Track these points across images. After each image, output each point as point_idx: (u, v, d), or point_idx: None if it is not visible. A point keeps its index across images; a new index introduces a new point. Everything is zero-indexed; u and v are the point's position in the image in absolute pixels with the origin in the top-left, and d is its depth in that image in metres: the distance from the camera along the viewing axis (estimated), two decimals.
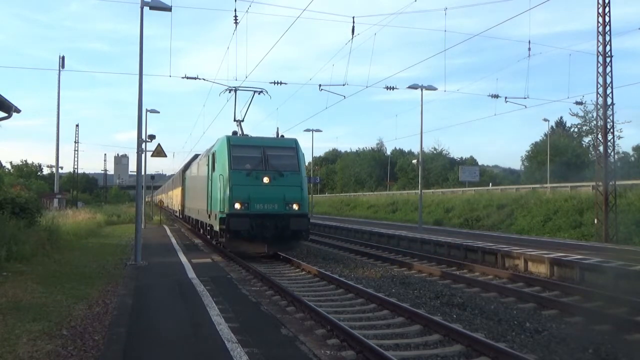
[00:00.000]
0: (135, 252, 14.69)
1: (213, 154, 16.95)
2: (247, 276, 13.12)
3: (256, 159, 15.80)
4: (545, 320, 8.84)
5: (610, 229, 21.03)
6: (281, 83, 20.69)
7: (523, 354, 6.52)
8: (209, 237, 19.04)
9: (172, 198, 42.00)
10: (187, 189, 28.83)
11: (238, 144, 16.16)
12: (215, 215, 16.03)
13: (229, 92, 18.19)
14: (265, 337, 6.89)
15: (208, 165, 17.87)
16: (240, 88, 18.13)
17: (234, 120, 18.35)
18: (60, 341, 6.63)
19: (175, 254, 17.23)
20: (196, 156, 28.17)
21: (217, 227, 15.82)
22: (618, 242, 20.32)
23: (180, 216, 34.06)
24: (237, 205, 15.06)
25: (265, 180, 15.41)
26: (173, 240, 22.65)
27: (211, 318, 7.83)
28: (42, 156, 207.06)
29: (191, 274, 12.55)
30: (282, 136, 17.94)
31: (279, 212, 15.31)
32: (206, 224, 18.87)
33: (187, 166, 30.33)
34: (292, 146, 16.61)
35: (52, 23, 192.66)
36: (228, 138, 16.21)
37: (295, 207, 15.52)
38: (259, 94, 18.15)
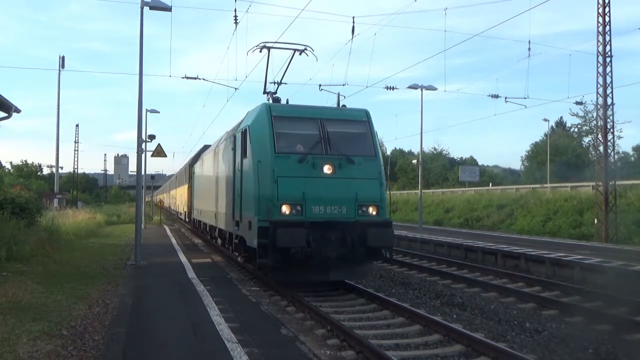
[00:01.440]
0: (135, 252, 14.69)
1: (244, 132, 11.40)
2: (247, 276, 13.12)
3: (312, 138, 10.66)
4: (545, 320, 8.84)
5: (610, 229, 21.03)
6: (281, 83, 20.64)
7: (523, 354, 6.52)
8: (236, 254, 13.04)
9: (176, 198, 36.90)
10: (196, 186, 23.09)
11: (284, 115, 10.93)
12: (250, 223, 10.57)
13: (260, 51, 12.63)
14: (265, 337, 6.90)
15: (234, 149, 12.43)
16: (275, 45, 12.71)
17: (264, 92, 12.85)
18: (60, 341, 6.63)
19: (175, 254, 17.23)
20: (206, 147, 23.02)
21: (253, 242, 10.30)
22: (618, 242, 20.32)
23: (187, 219, 28.86)
24: (285, 209, 9.99)
25: (327, 169, 10.33)
26: (173, 240, 22.66)
27: (211, 318, 7.83)
28: (42, 156, 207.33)
29: (191, 273, 12.55)
30: (344, 106, 12.54)
31: (348, 219, 10.23)
32: (230, 234, 13.26)
33: (197, 158, 24.55)
34: (363, 119, 11.38)
35: (52, 23, 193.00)
36: (268, 106, 10.95)
37: (371, 211, 10.51)
38: (300, 53, 12.69)
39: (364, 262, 10.62)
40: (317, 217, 10.06)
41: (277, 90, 12.80)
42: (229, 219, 13.02)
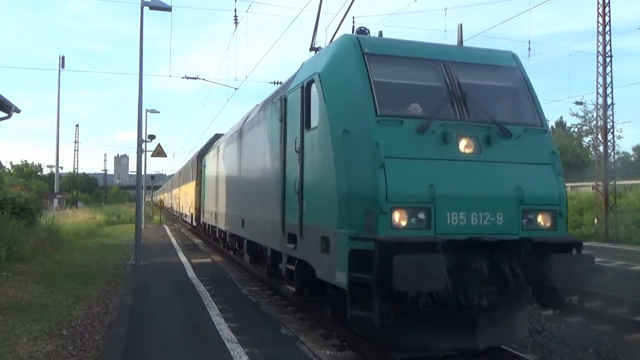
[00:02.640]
0: (135, 252, 14.69)
1: (306, 88, 7.14)
2: (247, 276, 13.11)
3: (434, 92, 6.56)
4: (545, 320, 8.84)
5: (610, 229, 21.03)
6: (282, 83, 20.62)
7: (523, 354, 6.52)
8: (292, 288, 7.69)
9: (179, 198, 32.62)
10: (208, 183, 18.34)
11: (384, 54, 6.67)
12: (326, 241, 6.28)
13: None
14: (265, 337, 6.90)
15: (283, 120, 8.08)
16: None
17: (311, 48, 8.77)
18: (60, 341, 6.64)
19: (175, 253, 17.23)
20: (218, 136, 19.35)
21: (334, 276, 6.00)
22: (618, 242, 20.32)
23: (193, 223, 24.49)
24: (399, 217, 5.75)
25: (466, 147, 6.16)
26: (173, 240, 22.67)
27: (211, 318, 7.83)
28: (42, 156, 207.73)
29: (191, 273, 12.55)
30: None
31: (507, 236, 6.02)
32: (276, 253, 8.94)
33: (208, 148, 20.09)
34: (512, 65, 7.16)
35: (52, 23, 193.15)
36: (356, 40, 6.64)
37: (542, 221, 6.23)
38: None
39: (521, 308, 6.37)
40: (456, 233, 5.76)
41: (334, 36, 8.09)
42: (272, 229, 8.55)
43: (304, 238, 7.01)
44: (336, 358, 6.49)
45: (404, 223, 5.70)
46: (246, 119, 12.10)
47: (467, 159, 6.08)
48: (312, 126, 6.90)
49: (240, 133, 12.15)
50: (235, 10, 17.29)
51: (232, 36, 27.27)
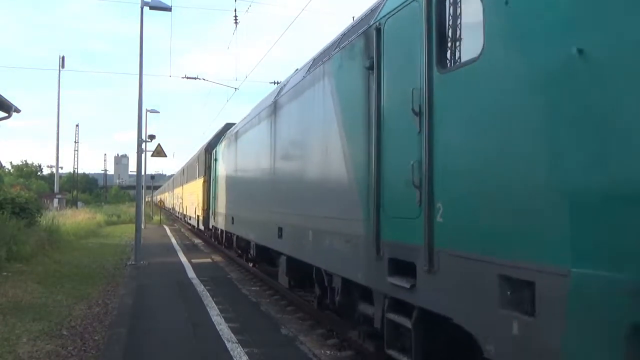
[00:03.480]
0: (136, 252, 14.69)
1: None
2: (247, 276, 13.12)
3: None
4: None
5: None
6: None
7: None
8: (402, 358, 4.41)
9: (182, 197, 29.92)
10: (221, 179, 15.54)
11: None
12: (525, 287, 2.99)
13: None
14: (265, 337, 6.90)
15: (374, 64, 4.85)
16: None
17: None
18: (60, 341, 6.64)
19: (175, 254, 17.24)
20: (229, 125, 17.40)
21: None
22: None
23: (200, 226, 21.67)
24: None
25: None
26: (173, 240, 22.69)
27: (211, 318, 7.84)
28: (42, 156, 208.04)
29: (191, 273, 12.56)
30: None
31: None
32: (348, 283, 5.81)
33: (219, 139, 17.41)
34: None
35: (52, 23, 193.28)
36: None
37: None
38: None
39: None
40: None
41: None
42: (348, 248, 5.60)
43: (438, 272, 3.93)
44: (336, 358, 6.49)
45: None
46: (281, 89, 9.34)
47: None
48: (455, 62, 3.93)
49: (274, 108, 9.09)
50: (235, 10, 17.35)
51: (232, 36, 27.38)
